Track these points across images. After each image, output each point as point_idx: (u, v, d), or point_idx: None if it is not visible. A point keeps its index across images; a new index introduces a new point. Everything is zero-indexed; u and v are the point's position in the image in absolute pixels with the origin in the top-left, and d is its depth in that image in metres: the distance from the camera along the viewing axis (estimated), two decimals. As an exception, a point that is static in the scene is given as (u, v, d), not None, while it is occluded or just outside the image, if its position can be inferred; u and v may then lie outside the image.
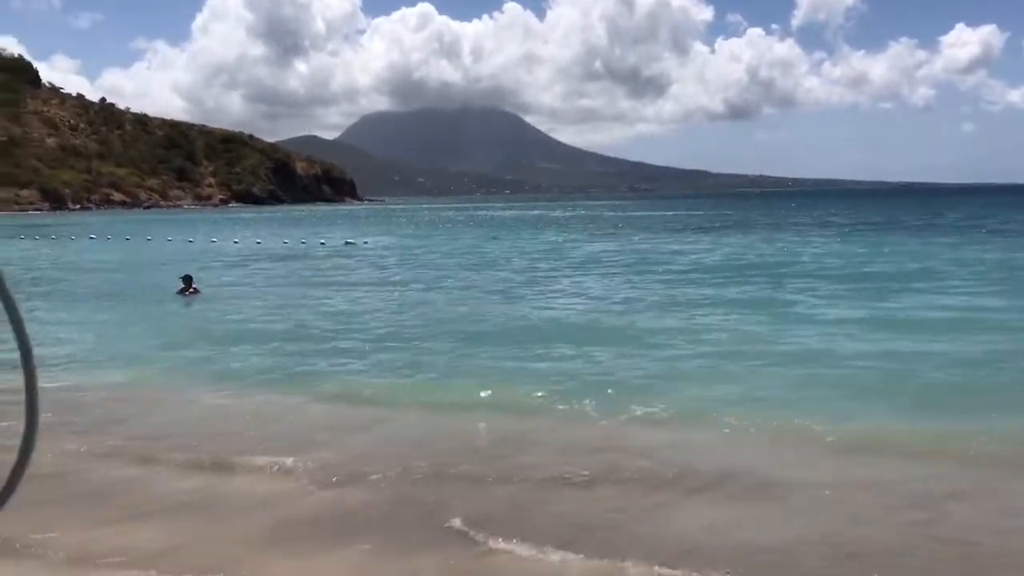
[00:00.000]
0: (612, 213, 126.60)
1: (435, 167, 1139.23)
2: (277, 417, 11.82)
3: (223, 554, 6.92)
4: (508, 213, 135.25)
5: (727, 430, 10.43)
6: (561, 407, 11.71)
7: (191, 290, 26.16)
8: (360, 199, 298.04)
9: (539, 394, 12.35)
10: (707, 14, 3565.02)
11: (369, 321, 20.77)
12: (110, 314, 23.36)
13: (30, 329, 0.94)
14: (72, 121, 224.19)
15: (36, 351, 0.91)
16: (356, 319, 21.18)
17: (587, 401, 11.78)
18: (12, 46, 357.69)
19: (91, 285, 31.64)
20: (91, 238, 66.40)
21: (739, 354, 15.21)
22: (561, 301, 24.35)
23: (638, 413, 11.21)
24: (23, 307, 0.95)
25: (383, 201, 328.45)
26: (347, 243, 53.42)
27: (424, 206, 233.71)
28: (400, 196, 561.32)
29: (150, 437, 10.78)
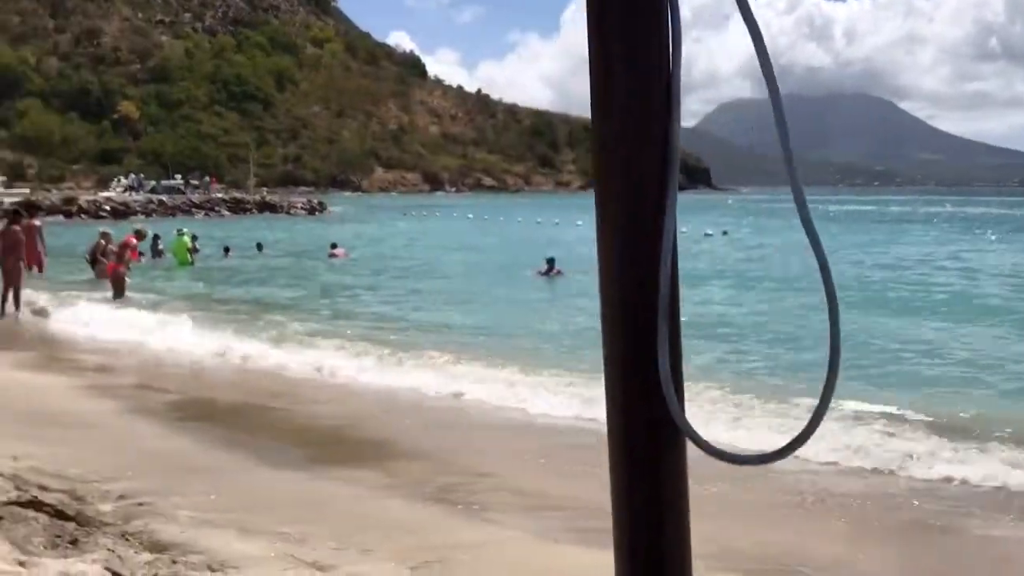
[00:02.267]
0: None
1: (795, 156, 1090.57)
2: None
3: None
4: (943, 210, 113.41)
5: None
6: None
7: (554, 271, 26.72)
8: (715, 187, 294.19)
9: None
10: None
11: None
12: (488, 292, 23.69)
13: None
14: (452, 111, 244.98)
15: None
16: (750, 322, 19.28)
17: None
18: (405, 42, 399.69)
19: (464, 264, 32.61)
20: (468, 217, 70.76)
21: None
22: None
23: None
24: None
25: (738, 191, 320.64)
26: (706, 235, 50.76)
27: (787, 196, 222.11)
28: (756, 185, 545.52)
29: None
